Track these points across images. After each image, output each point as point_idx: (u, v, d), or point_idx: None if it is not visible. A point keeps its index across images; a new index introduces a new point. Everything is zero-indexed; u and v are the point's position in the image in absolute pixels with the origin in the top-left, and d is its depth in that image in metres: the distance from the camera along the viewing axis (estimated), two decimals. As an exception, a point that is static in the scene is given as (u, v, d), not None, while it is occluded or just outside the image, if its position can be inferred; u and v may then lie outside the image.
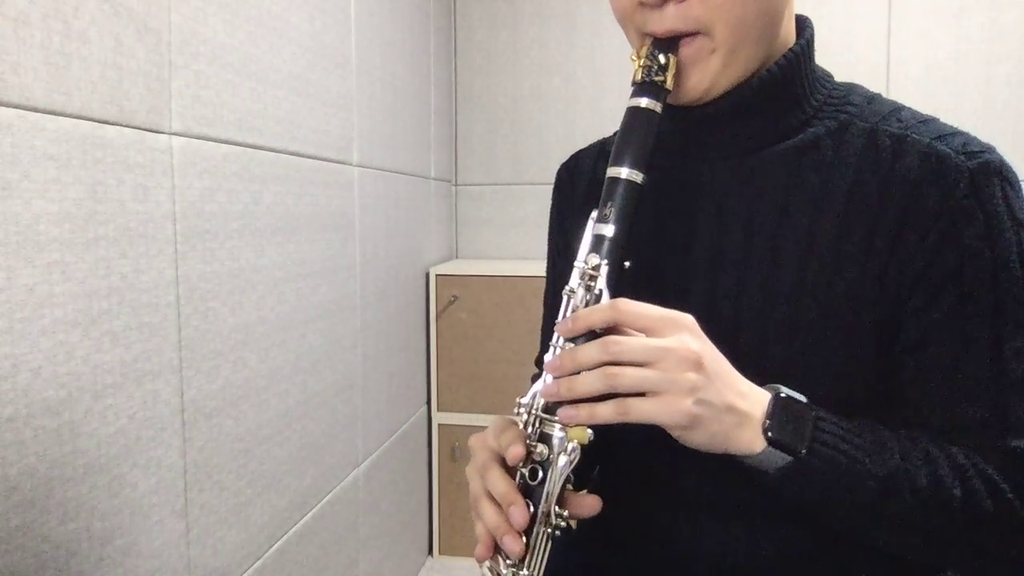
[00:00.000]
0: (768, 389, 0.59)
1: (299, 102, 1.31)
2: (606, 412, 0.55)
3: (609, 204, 0.61)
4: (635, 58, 0.64)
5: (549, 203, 0.90)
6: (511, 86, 2.37)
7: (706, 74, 0.64)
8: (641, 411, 0.54)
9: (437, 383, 2.11)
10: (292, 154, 1.29)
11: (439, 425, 2.13)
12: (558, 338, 0.60)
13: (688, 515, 0.71)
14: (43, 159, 0.76)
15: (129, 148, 0.89)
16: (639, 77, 0.63)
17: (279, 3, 1.23)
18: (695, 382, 0.54)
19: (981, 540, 0.58)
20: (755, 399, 0.58)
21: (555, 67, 2.32)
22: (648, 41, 0.64)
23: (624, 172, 0.61)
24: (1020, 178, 0.62)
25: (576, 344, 0.58)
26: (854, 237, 0.63)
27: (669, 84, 0.63)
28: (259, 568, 1.21)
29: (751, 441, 0.56)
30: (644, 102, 0.62)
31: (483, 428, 0.65)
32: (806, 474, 0.57)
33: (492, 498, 0.61)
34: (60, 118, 0.79)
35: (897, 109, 0.68)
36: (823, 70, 0.72)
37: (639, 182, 0.61)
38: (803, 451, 0.56)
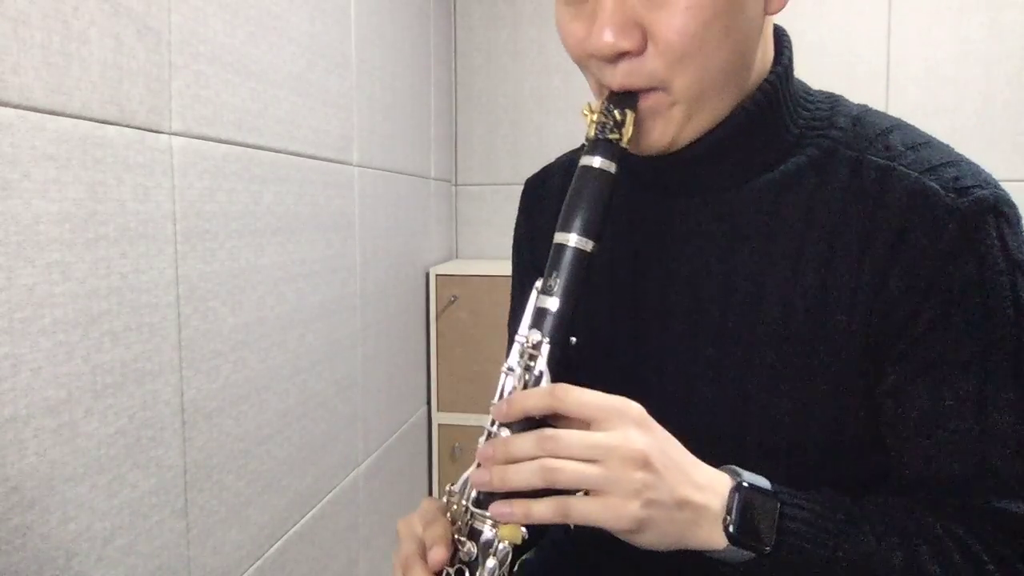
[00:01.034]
0: (727, 472, 0.55)
1: (299, 102, 1.31)
2: (543, 511, 0.50)
3: (555, 275, 0.56)
4: (587, 112, 0.59)
5: None
6: (511, 86, 2.37)
7: (669, 127, 0.60)
8: (584, 513, 0.50)
9: (437, 383, 2.11)
10: (292, 154, 1.29)
11: (439, 425, 2.13)
12: (492, 421, 0.55)
13: None
14: (43, 159, 0.76)
15: (129, 148, 0.89)
16: (591, 134, 0.58)
17: (279, 3, 1.23)
18: (642, 482, 0.49)
19: None
20: (712, 490, 0.53)
21: (555, 67, 2.32)
22: (604, 93, 0.60)
23: (572, 240, 0.56)
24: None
25: (512, 430, 0.53)
26: (839, 281, 0.59)
27: (625, 141, 0.58)
28: (259, 568, 1.21)
29: (710, 537, 0.52)
30: (597, 162, 0.57)
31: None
32: (774, 567, 0.53)
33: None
34: (60, 118, 0.78)
35: (885, 132, 0.62)
36: (801, 84, 0.67)
37: (588, 250, 0.56)
38: (767, 548, 0.52)
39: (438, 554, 0.53)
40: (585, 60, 0.60)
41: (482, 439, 0.56)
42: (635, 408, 0.52)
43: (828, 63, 2.11)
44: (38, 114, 0.76)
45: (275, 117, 1.23)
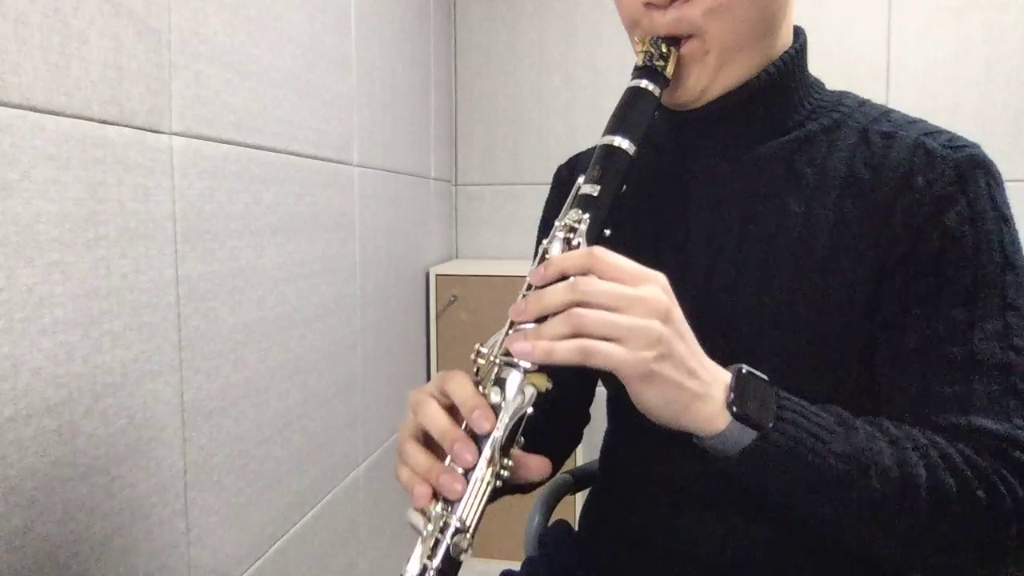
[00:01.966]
0: (729, 369, 0.58)
1: (299, 102, 1.31)
2: (565, 351, 0.52)
3: (597, 167, 0.61)
4: (638, 41, 0.67)
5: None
6: (511, 86, 2.37)
7: (703, 74, 0.67)
8: (604, 354, 0.51)
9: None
10: (292, 154, 1.29)
11: (439, 425, 2.12)
12: (527, 285, 0.57)
13: (687, 511, 0.72)
14: (43, 159, 0.76)
15: (129, 148, 0.89)
16: (640, 61, 0.65)
17: (279, 3, 1.23)
18: (661, 333, 0.52)
19: (945, 523, 0.56)
20: (717, 374, 0.57)
21: (555, 67, 2.32)
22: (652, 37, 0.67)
23: (616, 140, 0.62)
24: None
25: None
26: (849, 225, 0.65)
27: (669, 72, 0.65)
28: (259, 568, 1.21)
29: (713, 417, 0.55)
30: (644, 83, 0.65)
31: None
32: (770, 453, 0.55)
33: (421, 440, 0.57)
34: (60, 118, 0.78)
35: (887, 112, 0.70)
36: (816, 78, 0.74)
37: (629, 152, 0.62)
38: (770, 425, 0.55)
39: (481, 420, 0.53)
40: (638, 13, 0.67)
41: (514, 304, 0.57)
42: (662, 277, 0.55)
43: (828, 64, 2.11)
44: (38, 114, 0.76)
45: (275, 117, 1.23)
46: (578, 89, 2.31)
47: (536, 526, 0.99)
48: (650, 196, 0.75)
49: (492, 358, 0.57)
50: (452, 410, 0.56)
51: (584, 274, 0.54)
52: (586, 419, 0.92)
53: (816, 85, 0.73)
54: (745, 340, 0.66)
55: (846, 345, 0.65)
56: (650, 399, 0.54)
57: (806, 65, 0.73)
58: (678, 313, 0.55)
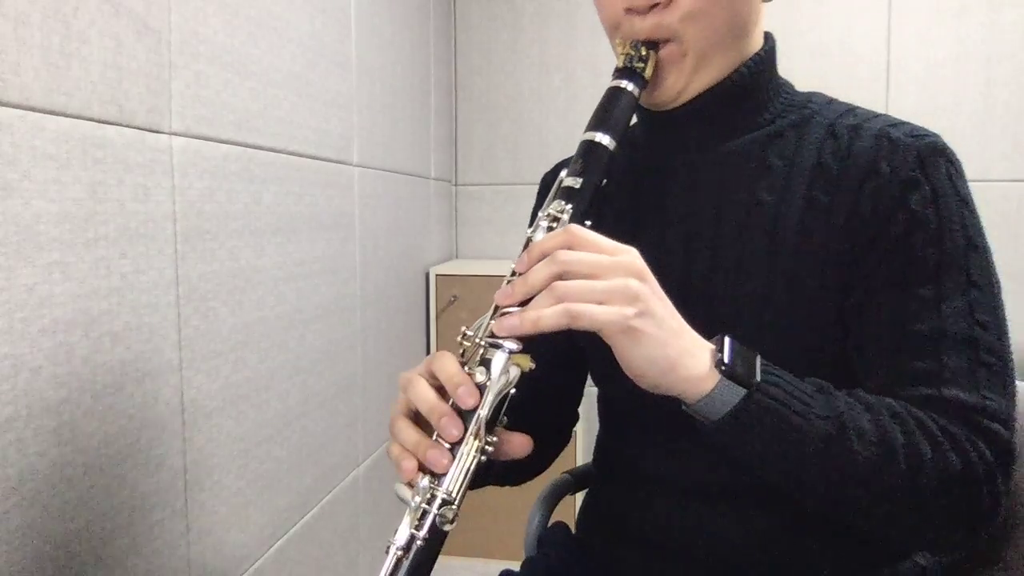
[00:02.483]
0: (711, 341, 0.61)
1: (299, 102, 1.31)
2: (552, 315, 0.54)
3: (579, 161, 0.65)
4: (619, 43, 0.71)
5: None
6: (511, 86, 2.37)
7: (681, 75, 0.71)
8: (587, 315, 0.54)
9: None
10: (292, 154, 1.29)
11: (439, 425, 2.12)
12: (512, 272, 0.60)
13: (682, 507, 0.73)
14: (43, 159, 0.76)
15: (129, 148, 0.89)
16: (621, 63, 0.70)
17: (279, 3, 1.23)
18: (639, 290, 0.55)
19: (921, 485, 0.58)
20: (698, 337, 0.59)
21: (555, 67, 2.32)
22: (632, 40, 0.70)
23: (597, 136, 0.66)
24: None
25: None
26: (818, 212, 0.68)
27: (648, 73, 0.69)
28: (259, 568, 1.21)
29: (701, 377, 0.57)
30: (624, 83, 0.68)
31: None
32: (758, 413, 0.57)
33: (411, 418, 0.59)
34: (60, 118, 0.78)
35: (853, 108, 0.74)
36: (786, 80, 0.78)
37: (610, 147, 0.65)
38: (756, 380, 0.57)
39: (466, 395, 0.56)
40: (618, 18, 0.71)
41: (500, 289, 0.59)
42: (634, 250, 0.58)
43: (828, 63, 2.11)
44: (38, 114, 0.76)
45: (275, 117, 1.23)
46: (578, 89, 2.30)
47: (536, 526, 0.99)
48: (629, 190, 0.78)
49: (477, 340, 0.59)
50: (440, 389, 0.58)
51: (567, 247, 0.57)
52: (575, 418, 0.93)
53: (786, 86, 0.77)
54: (723, 326, 0.68)
55: (821, 326, 0.68)
56: (636, 358, 0.56)
57: (776, 67, 0.77)
58: (653, 279, 0.58)
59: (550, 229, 0.61)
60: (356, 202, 1.58)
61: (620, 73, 0.69)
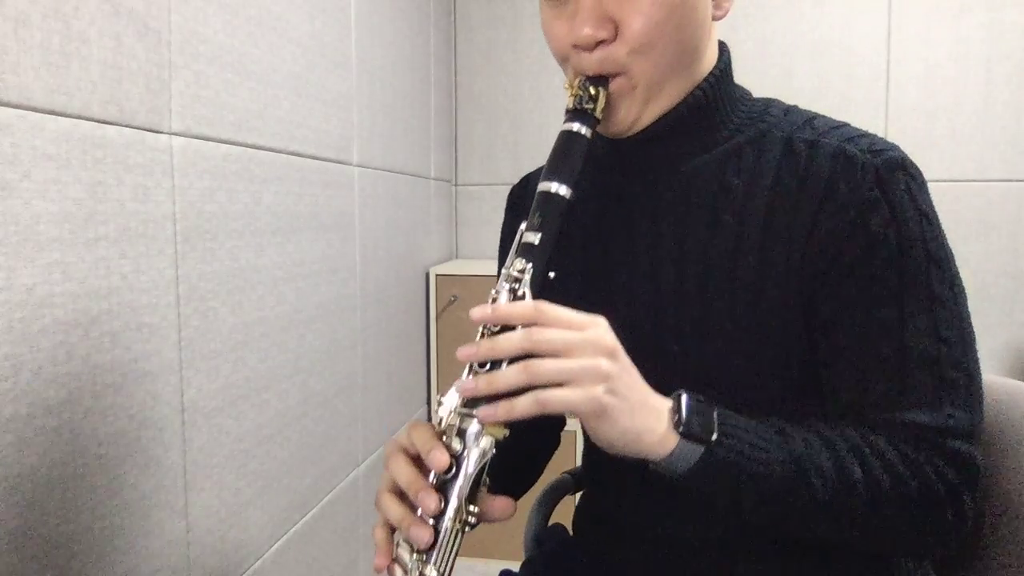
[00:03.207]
0: (671, 397, 0.62)
1: (299, 102, 1.31)
2: (524, 406, 0.55)
3: (537, 215, 0.64)
4: (568, 87, 0.71)
5: None
6: (511, 86, 2.37)
7: (633, 107, 0.71)
8: (558, 400, 0.55)
9: (437, 383, 2.11)
10: (292, 154, 1.29)
11: (439, 425, 2.12)
12: (480, 333, 0.61)
13: (673, 502, 0.73)
14: (43, 159, 0.76)
15: (129, 148, 0.89)
16: (571, 105, 0.69)
17: (279, 3, 1.23)
18: (608, 370, 0.56)
19: (884, 517, 0.60)
20: (661, 407, 0.60)
21: (555, 67, 2.31)
22: (580, 79, 0.70)
23: (553, 187, 0.65)
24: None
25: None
26: (778, 235, 0.68)
27: (598, 113, 0.69)
28: (259, 568, 1.21)
29: (662, 440, 0.58)
30: (575, 127, 0.69)
31: None
32: (718, 466, 0.59)
33: (395, 493, 0.61)
34: (60, 118, 0.78)
35: (811, 119, 0.73)
36: (742, 89, 0.77)
37: (566, 196, 0.65)
38: (714, 438, 0.58)
39: (440, 457, 0.57)
40: (567, 52, 0.72)
41: (464, 346, 0.60)
42: (603, 320, 0.59)
43: (828, 63, 2.11)
44: (38, 114, 0.76)
45: (275, 117, 1.23)
46: (578, 89, 2.30)
47: (535, 527, 1.00)
48: (595, 214, 0.79)
49: (452, 409, 0.60)
50: (419, 459, 0.61)
51: (532, 322, 0.58)
52: (556, 444, 0.95)
53: (742, 97, 0.76)
54: (692, 348, 0.70)
55: (788, 345, 0.68)
56: (606, 433, 0.57)
57: (731, 80, 0.76)
58: (622, 352, 0.59)
59: (512, 291, 0.62)
60: (356, 202, 1.58)
61: (571, 115, 0.70)
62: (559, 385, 0.55)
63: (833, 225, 0.66)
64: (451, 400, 0.61)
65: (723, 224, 0.70)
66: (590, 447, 0.87)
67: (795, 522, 0.62)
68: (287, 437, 1.29)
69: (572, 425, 1.17)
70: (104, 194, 0.85)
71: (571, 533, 0.91)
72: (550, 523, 1.00)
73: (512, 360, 0.57)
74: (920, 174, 0.68)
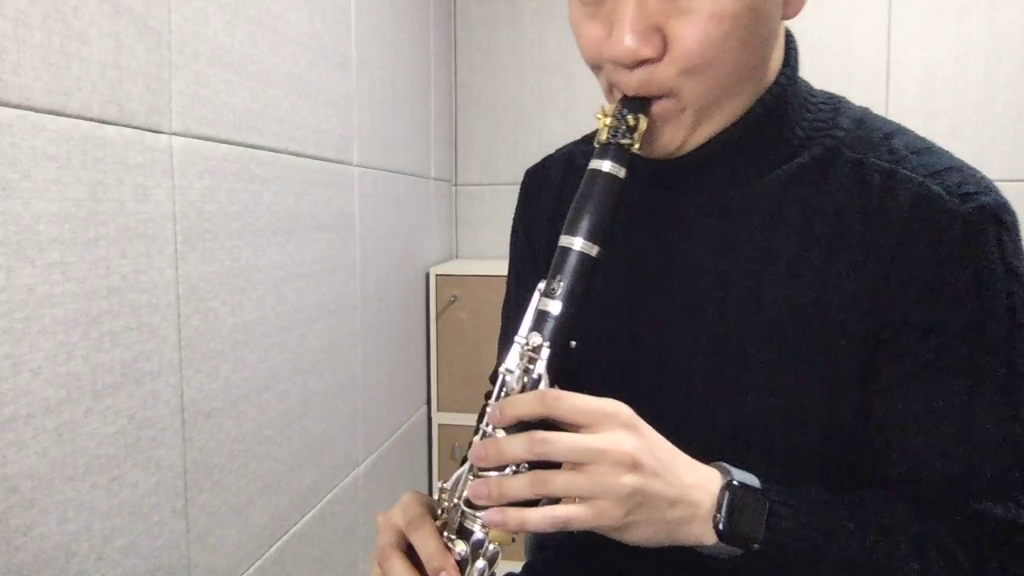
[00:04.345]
0: (717, 468, 0.56)
1: (299, 102, 1.31)
2: (538, 521, 0.50)
3: (558, 278, 0.55)
4: (600, 116, 0.59)
5: None
6: (511, 86, 2.37)
7: (678, 132, 0.60)
8: (577, 520, 0.50)
9: (437, 383, 2.11)
10: (292, 154, 1.29)
11: (439, 425, 2.13)
12: (487, 423, 0.55)
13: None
14: (43, 159, 0.76)
15: (129, 148, 0.89)
16: (604, 137, 0.58)
17: (279, 3, 1.23)
18: (631, 486, 0.50)
19: None
20: (703, 488, 0.53)
21: (555, 67, 2.32)
22: (617, 96, 0.60)
23: (577, 244, 0.55)
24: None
25: (507, 431, 0.54)
26: (839, 282, 0.60)
27: (637, 147, 0.58)
28: (259, 568, 1.21)
29: (700, 534, 0.53)
30: (607, 166, 0.57)
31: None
32: (761, 564, 0.54)
33: None
34: (60, 118, 0.78)
35: (888, 136, 0.63)
36: (805, 85, 0.67)
37: (593, 255, 0.56)
38: (757, 545, 0.53)
39: (439, 563, 0.53)
40: (601, 61, 0.60)
41: (476, 437, 0.56)
42: (624, 411, 0.52)
43: (828, 63, 2.11)
44: (38, 114, 0.76)
45: (275, 117, 1.23)
46: (578, 89, 2.30)
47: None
48: (627, 239, 0.69)
49: (456, 500, 0.56)
50: (414, 556, 0.56)
51: (542, 418, 0.52)
52: None
53: (807, 101, 0.65)
54: (732, 399, 0.63)
55: (836, 412, 0.60)
56: (635, 539, 0.53)
57: (798, 82, 0.65)
58: (647, 448, 0.51)
59: (526, 371, 0.55)
60: (356, 202, 1.58)
61: (603, 150, 0.57)
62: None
63: (905, 280, 0.57)
64: (454, 487, 0.57)
65: (775, 265, 0.61)
66: None
67: None
68: (287, 437, 1.29)
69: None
70: (104, 194, 0.85)
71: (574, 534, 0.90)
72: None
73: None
74: (1015, 222, 0.58)
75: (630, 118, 0.57)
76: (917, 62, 2.10)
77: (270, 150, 1.22)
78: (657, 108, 0.59)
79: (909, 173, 0.59)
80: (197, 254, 1.02)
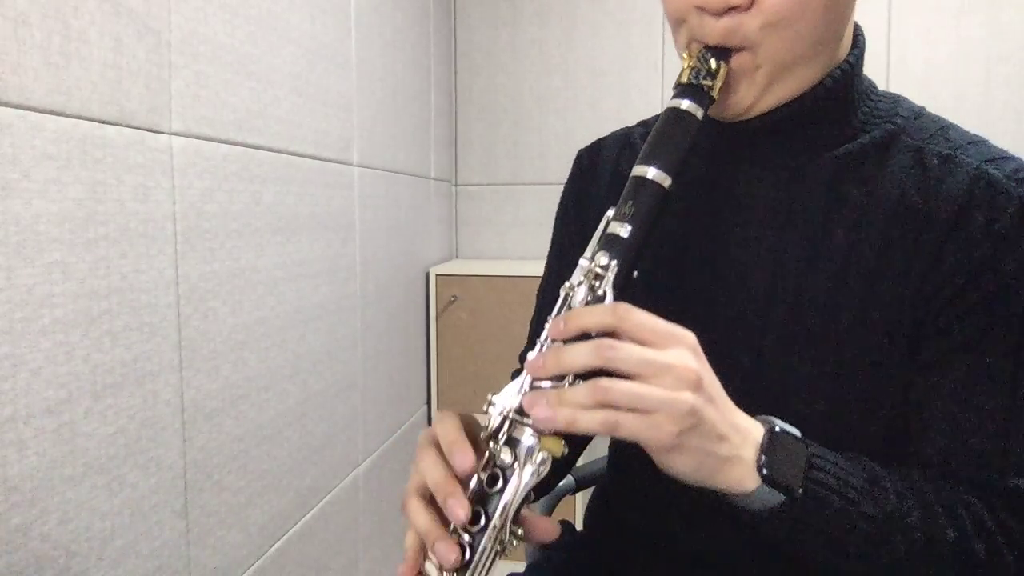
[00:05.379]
0: (761, 421, 0.56)
1: (299, 102, 1.31)
2: (590, 422, 0.49)
3: (630, 203, 0.55)
4: (685, 56, 0.61)
5: (550, 203, 0.89)
6: (511, 86, 2.37)
7: (751, 90, 0.62)
8: (630, 428, 0.49)
9: (437, 383, 2.11)
10: (292, 154, 1.29)
11: (439, 425, 2.12)
12: (547, 337, 0.54)
13: (698, 509, 0.69)
14: (43, 159, 0.76)
15: (129, 148, 0.89)
16: (685, 78, 0.59)
17: (279, 3, 1.23)
18: (692, 404, 0.49)
19: None
20: (748, 433, 0.53)
21: (555, 67, 2.32)
22: (695, 49, 0.61)
23: (651, 173, 0.56)
24: None
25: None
26: (895, 256, 0.61)
27: (716, 92, 0.59)
28: (259, 568, 1.21)
29: (742, 478, 0.52)
30: (685, 104, 0.58)
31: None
32: (800, 515, 0.53)
33: (426, 496, 0.55)
34: (60, 118, 0.78)
35: (945, 128, 0.66)
36: (869, 80, 0.69)
37: (666, 187, 0.56)
38: (799, 491, 0.53)
39: (465, 459, 0.52)
40: (686, 12, 0.61)
41: (531, 353, 0.54)
42: (691, 337, 0.52)
43: (828, 63, 2.11)
44: (38, 114, 0.76)
45: (275, 117, 1.23)
46: (578, 89, 2.30)
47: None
48: (683, 207, 0.70)
49: (505, 411, 0.53)
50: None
51: (608, 333, 0.51)
52: (577, 455, 0.89)
53: (869, 91, 0.68)
54: (774, 368, 0.64)
55: (882, 381, 0.62)
56: (677, 467, 0.52)
57: (863, 70, 0.67)
58: (709, 375, 0.51)
59: (592, 288, 0.54)
60: (356, 202, 1.58)
61: (683, 90, 0.59)
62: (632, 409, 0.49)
63: (961, 258, 0.58)
64: (505, 400, 0.54)
65: (832, 238, 0.63)
66: (619, 442, 0.83)
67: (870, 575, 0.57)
68: (287, 437, 1.29)
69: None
70: (104, 194, 0.85)
71: (577, 532, 0.90)
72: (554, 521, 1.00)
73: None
74: None
75: (712, 61, 0.59)
76: (917, 62, 2.10)
77: (270, 150, 1.22)
78: (735, 62, 0.60)
79: (966, 158, 0.61)
80: (197, 254, 1.02)
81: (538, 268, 0.88)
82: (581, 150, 0.86)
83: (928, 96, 2.31)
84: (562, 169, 0.90)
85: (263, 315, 1.20)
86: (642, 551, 0.76)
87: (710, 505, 0.70)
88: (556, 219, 0.86)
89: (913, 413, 0.62)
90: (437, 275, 2.09)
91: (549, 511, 1.02)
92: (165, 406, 0.97)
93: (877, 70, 2.11)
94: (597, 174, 0.82)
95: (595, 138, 0.86)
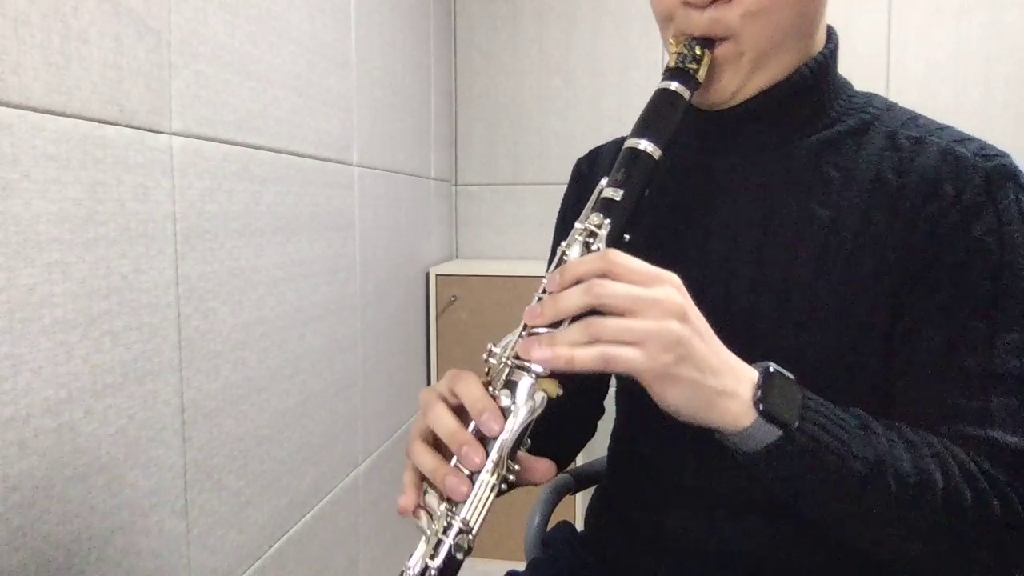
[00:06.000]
0: (756, 366, 0.58)
1: (299, 102, 1.31)
2: (587, 357, 0.51)
3: (622, 171, 0.60)
4: (671, 42, 0.66)
5: (550, 203, 0.90)
6: (511, 86, 2.37)
7: (736, 76, 0.67)
8: (623, 360, 0.51)
9: (437, 383, 2.11)
10: (292, 154, 1.29)
11: (439, 425, 2.12)
12: (542, 289, 0.57)
13: (698, 507, 0.71)
14: (43, 159, 0.76)
15: (129, 148, 0.89)
16: (673, 63, 0.65)
17: (279, 3, 1.23)
18: (679, 334, 0.52)
19: (959, 532, 0.57)
20: (742, 371, 0.56)
21: (555, 67, 2.32)
22: (683, 40, 0.66)
23: (642, 144, 0.61)
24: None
25: None
26: (873, 231, 0.65)
27: (701, 76, 0.64)
28: (259, 568, 1.21)
29: (738, 414, 0.54)
30: (674, 85, 0.64)
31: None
32: (793, 453, 0.55)
33: (429, 442, 0.58)
34: (60, 118, 0.78)
35: (915, 117, 0.71)
36: (845, 79, 0.74)
37: (655, 156, 0.61)
38: (795, 424, 0.54)
39: (490, 426, 0.54)
40: (673, 9, 0.67)
41: (529, 306, 0.57)
42: (677, 279, 0.55)
43: (828, 63, 2.11)
44: (38, 114, 0.76)
45: (275, 117, 1.23)
46: (578, 89, 2.30)
47: (536, 527, 0.99)
48: (671, 192, 0.74)
49: (504, 359, 0.56)
50: (461, 411, 0.57)
51: (599, 277, 0.54)
52: (600, 412, 0.92)
53: (846, 87, 0.73)
54: (764, 340, 0.67)
55: (866, 350, 0.65)
56: (673, 399, 0.54)
57: (837, 66, 0.73)
58: (695, 312, 0.55)
59: (586, 245, 0.58)
60: (356, 202, 1.58)
61: (670, 74, 0.65)
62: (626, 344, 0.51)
63: (933, 227, 0.63)
64: (503, 350, 0.57)
65: (814, 216, 0.67)
66: (619, 436, 0.84)
67: (862, 521, 0.58)
68: (287, 437, 1.29)
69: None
70: (104, 194, 0.85)
71: (578, 531, 0.90)
72: (555, 520, 1.00)
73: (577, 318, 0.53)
74: None
75: (697, 48, 0.65)
76: (917, 62, 2.10)
77: (270, 150, 1.22)
78: (720, 51, 0.66)
79: (935, 139, 0.67)
80: (197, 254, 1.02)
81: (538, 268, 0.89)
82: (580, 158, 0.90)
83: (928, 96, 2.33)
84: (562, 169, 0.91)
85: (263, 315, 1.20)
86: (642, 550, 0.76)
87: (710, 504, 0.71)
88: (556, 222, 0.89)
89: (896, 379, 0.65)
90: (437, 275, 2.09)
91: (549, 512, 1.02)
92: (165, 406, 0.97)
93: (877, 70, 2.11)
94: (594, 173, 0.85)
95: (595, 138, 0.88)
